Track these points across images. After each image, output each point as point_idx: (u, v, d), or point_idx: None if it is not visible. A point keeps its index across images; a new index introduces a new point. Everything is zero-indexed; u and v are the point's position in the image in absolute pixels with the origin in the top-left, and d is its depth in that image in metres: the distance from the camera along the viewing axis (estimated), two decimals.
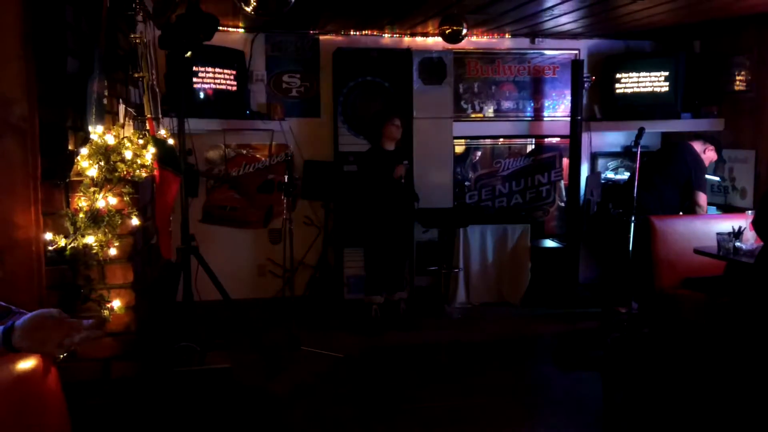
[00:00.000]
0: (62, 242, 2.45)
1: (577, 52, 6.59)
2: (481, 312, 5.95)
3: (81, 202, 2.51)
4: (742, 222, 4.36)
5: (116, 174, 2.56)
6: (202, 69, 5.56)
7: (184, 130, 4.07)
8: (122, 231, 2.65)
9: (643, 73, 6.25)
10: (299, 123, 6.17)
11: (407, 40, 6.28)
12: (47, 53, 2.42)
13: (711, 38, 6.17)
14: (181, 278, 4.14)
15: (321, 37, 6.17)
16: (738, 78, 5.83)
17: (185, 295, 4.12)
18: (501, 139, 6.63)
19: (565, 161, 6.53)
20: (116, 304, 2.65)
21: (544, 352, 4.87)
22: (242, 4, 3.73)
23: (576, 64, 6.14)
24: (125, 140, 2.64)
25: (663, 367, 4.62)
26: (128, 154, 2.60)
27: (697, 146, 5.43)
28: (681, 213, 5.38)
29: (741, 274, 4.18)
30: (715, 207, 6.07)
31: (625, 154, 6.73)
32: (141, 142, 2.76)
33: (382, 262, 5.36)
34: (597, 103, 6.61)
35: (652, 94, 6.24)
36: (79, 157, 2.51)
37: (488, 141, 6.57)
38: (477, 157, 6.63)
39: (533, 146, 6.72)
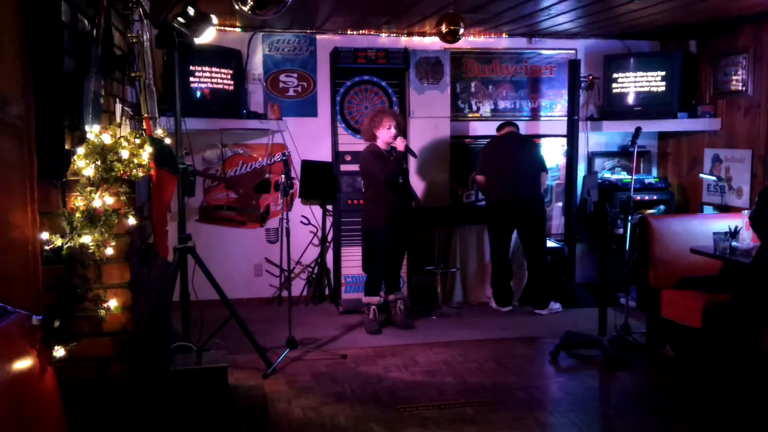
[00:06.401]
0: (59, 242, 2.44)
1: (574, 51, 6.60)
2: (478, 312, 5.96)
3: (77, 202, 2.50)
4: (738, 221, 4.37)
5: (113, 173, 2.55)
6: (199, 68, 5.56)
7: (181, 130, 4.07)
8: (119, 230, 2.64)
9: (639, 73, 6.26)
10: (296, 122, 6.16)
11: (404, 40, 6.28)
12: (44, 52, 2.41)
13: (707, 38, 6.19)
14: (178, 278, 4.14)
15: (318, 37, 6.17)
16: (734, 77, 5.85)
17: (182, 294, 4.12)
18: None
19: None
20: (113, 303, 2.65)
21: (541, 351, 4.87)
22: (239, 3, 3.73)
23: (573, 64, 6.14)
24: (122, 140, 2.63)
25: (662, 366, 4.63)
26: (125, 154, 2.59)
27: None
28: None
29: (737, 273, 4.19)
30: (711, 207, 6.08)
31: (621, 154, 6.74)
32: (138, 141, 2.74)
33: (381, 262, 5.35)
34: (594, 102, 6.62)
35: (649, 93, 6.24)
36: (75, 157, 2.50)
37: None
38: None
39: None
